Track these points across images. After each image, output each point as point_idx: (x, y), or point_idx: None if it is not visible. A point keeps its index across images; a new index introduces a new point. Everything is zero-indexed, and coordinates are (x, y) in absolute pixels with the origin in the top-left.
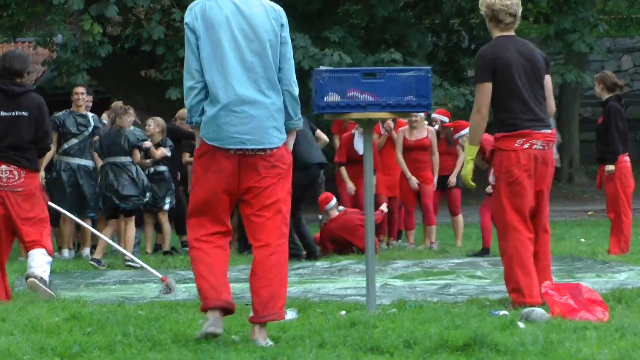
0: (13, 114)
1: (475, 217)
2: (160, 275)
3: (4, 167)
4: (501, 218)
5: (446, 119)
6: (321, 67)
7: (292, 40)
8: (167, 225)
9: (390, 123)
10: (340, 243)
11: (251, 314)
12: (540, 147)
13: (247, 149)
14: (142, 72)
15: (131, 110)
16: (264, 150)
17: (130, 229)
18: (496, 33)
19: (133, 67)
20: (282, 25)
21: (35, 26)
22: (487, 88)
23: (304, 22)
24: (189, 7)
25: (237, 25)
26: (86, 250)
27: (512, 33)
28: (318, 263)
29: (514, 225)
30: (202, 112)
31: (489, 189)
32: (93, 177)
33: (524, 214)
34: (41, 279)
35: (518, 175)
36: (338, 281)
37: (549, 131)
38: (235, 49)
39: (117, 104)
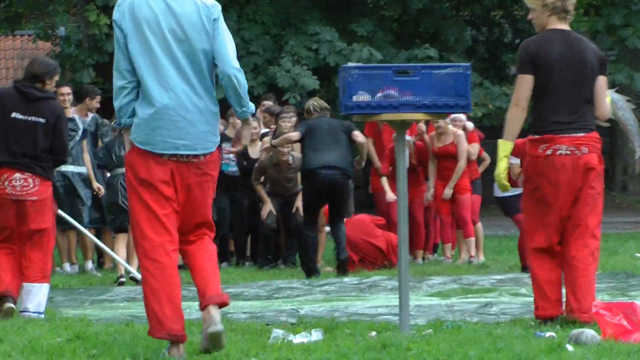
0: (29, 118)
1: (491, 229)
2: None
3: (17, 175)
4: (525, 223)
5: (464, 118)
6: (349, 64)
7: (316, 34)
8: None
9: (422, 126)
10: (362, 249)
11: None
12: (568, 152)
13: (181, 155)
14: None
15: None
16: (197, 156)
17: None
18: (552, 25)
19: None
20: (214, 20)
21: (36, 17)
22: (527, 80)
23: (330, 14)
24: (118, 2)
25: (166, 25)
26: (89, 264)
27: (567, 26)
28: (346, 279)
29: (532, 235)
30: (133, 113)
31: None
32: (89, 185)
33: (545, 222)
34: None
35: (538, 183)
36: (368, 299)
37: (581, 134)
38: (166, 51)
39: None
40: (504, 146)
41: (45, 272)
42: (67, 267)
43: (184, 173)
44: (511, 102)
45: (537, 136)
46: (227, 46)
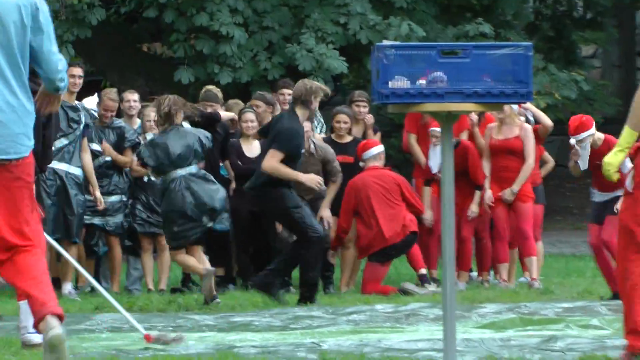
0: None
1: (556, 246)
2: (144, 331)
3: None
4: (628, 236)
5: (531, 113)
6: (385, 42)
7: (345, 5)
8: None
9: (474, 117)
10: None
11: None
12: None
13: None
14: (143, 46)
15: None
16: (9, 160)
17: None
18: None
19: (132, 40)
20: (36, 9)
21: None
22: None
23: None
24: None
25: None
26: (68, 286)
27: None
28: (379, 306)
29: None
30: None
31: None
32: (83, 190)
33: None
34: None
35: None
36: (405, 331)
37: None
38: None
39: (110, 90)
40: (631, 135)
41: None
42: None
43: None
44: None
45: None
46: (51, 43)
